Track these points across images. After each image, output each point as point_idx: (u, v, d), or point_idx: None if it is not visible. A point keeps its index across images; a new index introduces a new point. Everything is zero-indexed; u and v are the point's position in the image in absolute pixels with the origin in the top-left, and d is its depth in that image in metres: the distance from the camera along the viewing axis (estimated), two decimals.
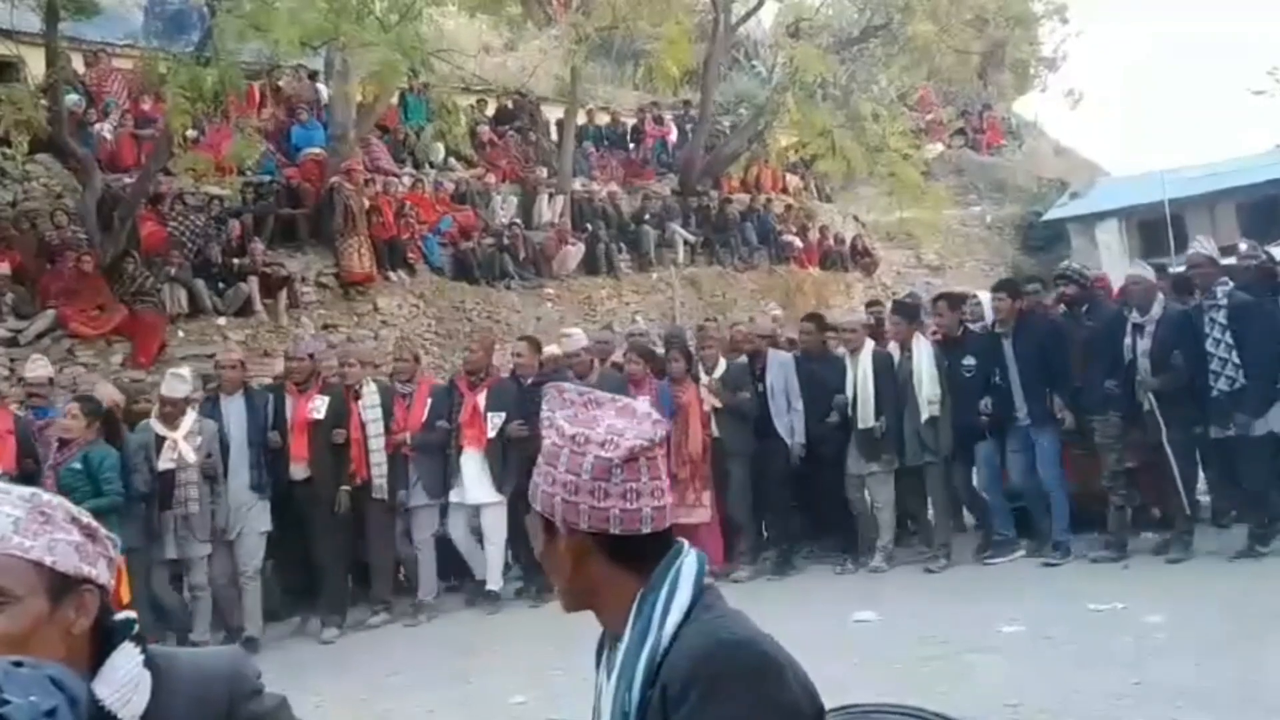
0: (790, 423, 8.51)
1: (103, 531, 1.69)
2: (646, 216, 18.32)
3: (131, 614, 1.71)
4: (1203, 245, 7.91)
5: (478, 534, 8.50)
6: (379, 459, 8.27)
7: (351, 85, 14.36)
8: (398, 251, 14.53)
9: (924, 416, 8.07)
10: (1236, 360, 7.08)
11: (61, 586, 1.60)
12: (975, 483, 8.42)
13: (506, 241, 15.98)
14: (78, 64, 15.07)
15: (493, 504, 8.33)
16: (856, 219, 24.00)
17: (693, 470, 8.37)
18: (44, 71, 13.17)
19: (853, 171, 20.21)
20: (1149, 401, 7.32)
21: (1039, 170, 29.82)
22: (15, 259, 11.57)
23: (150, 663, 1.63)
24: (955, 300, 8.53)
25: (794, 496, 8.83)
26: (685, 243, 18.49)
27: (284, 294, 12.97)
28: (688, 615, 1.54)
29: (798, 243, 20.30)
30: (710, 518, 8.52)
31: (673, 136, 21.84)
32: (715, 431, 8.57)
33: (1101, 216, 25.55)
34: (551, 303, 16.05)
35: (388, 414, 8.37)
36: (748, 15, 20.60)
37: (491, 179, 17.38)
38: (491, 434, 8.29)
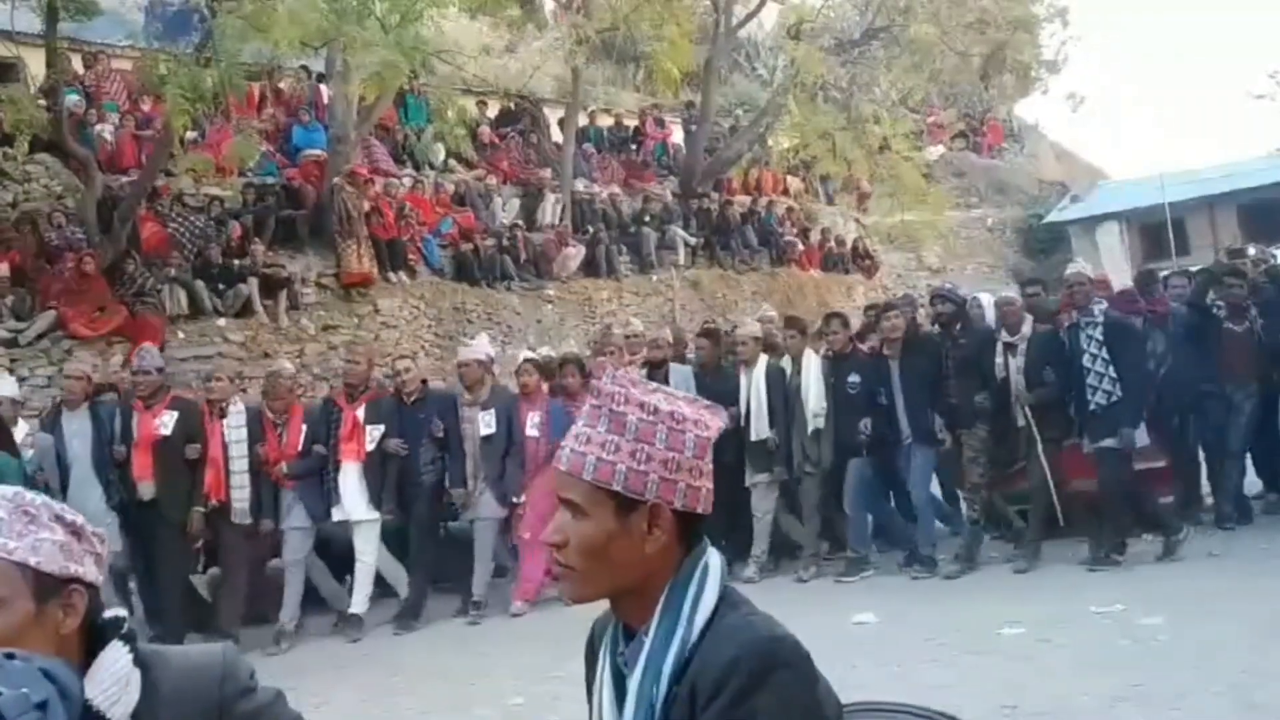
0: None
1: (89, 529, 1.67)
2: (647, 218, 18.34)
3: (121, 612, 1.69)
4: (1081, 265, 8.25)
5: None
6: (240, 481, 7.93)
7: (352, 86, 14.35)
8: (398, 253, 14.54)
9: (809, 429, 8.29)
10: (1113, 375, 7.38)
11: (48, 587, 1.58)
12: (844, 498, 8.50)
13: (507, 243, 15.99)
14: (77, 65, 15.09)
15: (367, 521, 8.12)
16: (857, 221, 24.01)
17: None
18: (44, 72, 13.19)
19: (854, 174, 20.23)
20: (1024, 416, 7.63)
21: (1040, 173, 29.87)
22: (15, 260, 11.58)
23: (140, 661, 1.62)
24: (845, 319, 8.73)
25: None
26: (686, 245, 18.51)
27: (284, 295, 12.98)
28: (714, 612, 1.54)
29: (799, 245, 20.32)
30: None
31: (674, 138, 21.87)
32: None
33: (1102, 219, 25.59)
34: (552, 304, 16.06)
35: (256, 438, 8.03)
36: (749, 17, 20.63)
37: (492, 180, 17.40)
38: (370, 447, 8.08)
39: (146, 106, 14.92)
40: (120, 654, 1.60)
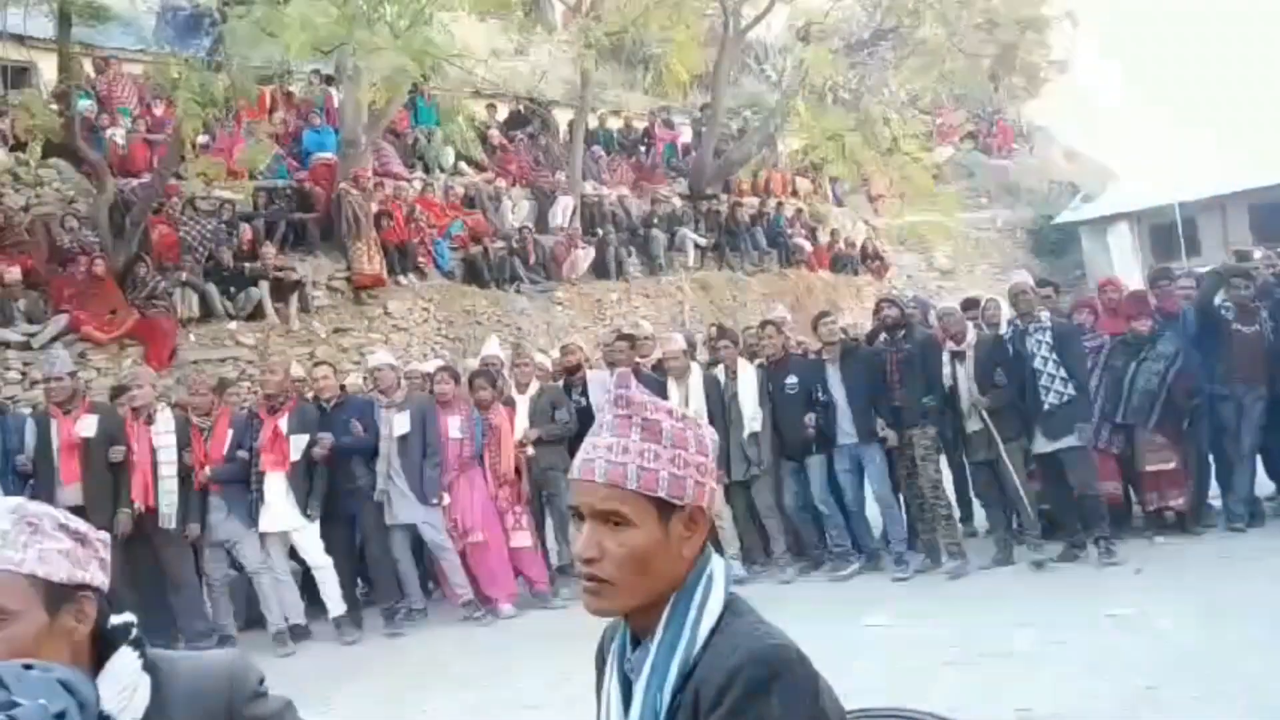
0: None
1: (93, 534, 1.69)
2: (656, 220, 18.34)
3: (130, 617, 1.70)
4: (1024, 275, 8.81)
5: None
6: (169, 487, 7.92)
7: (362, 90, 14.39)
8: (408, 255, 14.57)
9: (745, 432, 8.50)
10: (1064, 375, 7.71)
11: (58, 595, 1.60)
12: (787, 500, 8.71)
13: (517, 245, 16.01)
14: (89, 69, 15.16)
15: (303, 530, 8.15)
16: (867, 223, 23.98)
17: (511, 493, 8.53)
18: (57, 77, 13.24)
19: (865, 176, 20.21)
20: (982, 419, 7.88)
21: (1050, 174, 29.77)
22: (27, 263, 11.61)
23: (150, 666, 1.63)
24: (779, 325, 9.09)
25: None
26: (695, 246, 18.51)
27: (295, 298, 13.00)
28: (718, 620, 1.54)
29: (808, 246, 20.31)
30: (532, 541, 8.66)
31: (682, 140, 21.86)
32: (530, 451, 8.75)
33: (1113, 220, 25.52)
34: (562, 306, 16.07)
35: (184, 444, 8.05)
36: (757, 19, 20.59)
37: (502, 183, 17.41)
38: (295, 457, 8.08)
39: (158, 111, 14.98)
40: (130, 659, 1.62)
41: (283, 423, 8.15)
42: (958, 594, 7.52)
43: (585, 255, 16.70)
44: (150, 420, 8.06)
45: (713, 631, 1.53)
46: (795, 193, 22.36)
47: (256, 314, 12.68)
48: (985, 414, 7.90)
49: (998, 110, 31.15)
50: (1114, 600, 6.54)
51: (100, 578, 1.67)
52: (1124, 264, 22.93)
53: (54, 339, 11.04)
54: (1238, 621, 5.81)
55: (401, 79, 12.74)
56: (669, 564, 1.56)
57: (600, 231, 17.44)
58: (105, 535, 1.73)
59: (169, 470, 7.94)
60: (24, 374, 10.67)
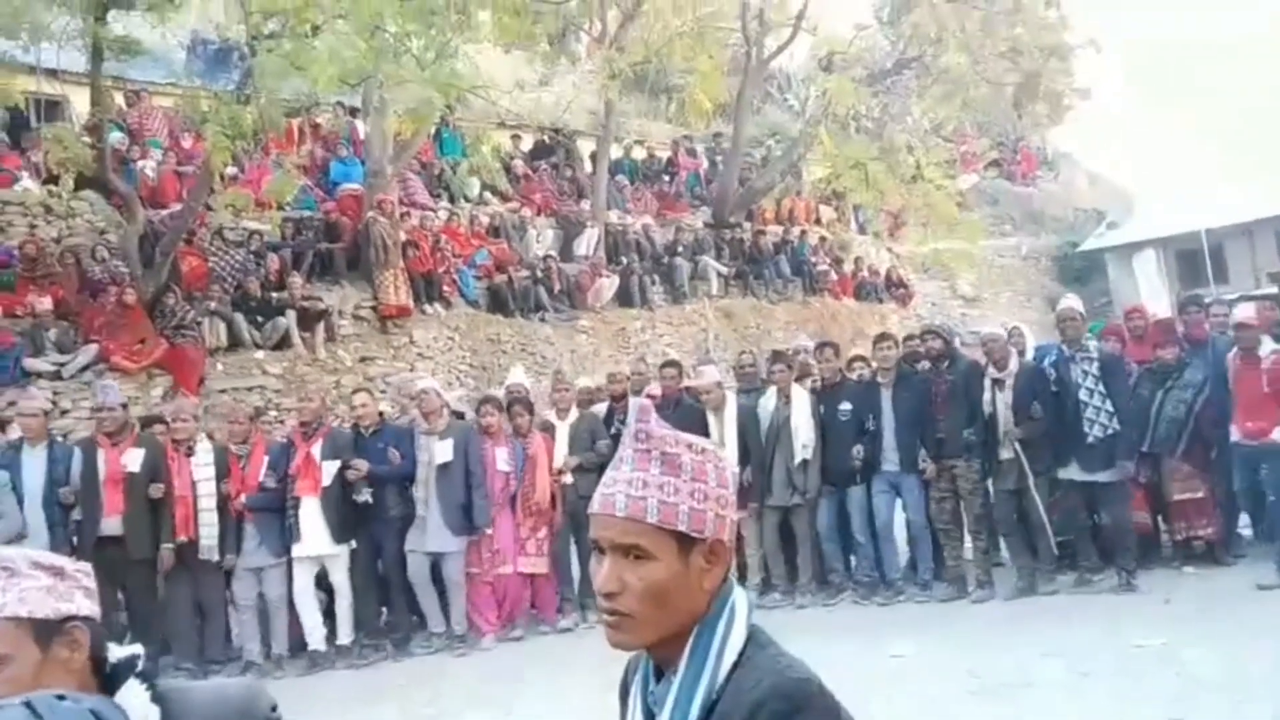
0: None
1: (70, 565, 1.73)
2: (680, 249, 18.39)
3: (137, 649, 1.72)
4: (1072, 300, 8.56)
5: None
6: (209, 519, 8.02)
7: (388, 122, 14.54)
8: (433, 284, 14.65)
9: (797, 460, 8.46)
10: (1110, 409, 7.62)
11: (47, 630, 1.63)
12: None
13: (541, 274, 16.08)
14: (120, 102, 15.37)
15: (335, 556, 8.23)
16: (890, 250, 23.95)
17: (538, 521, 8.54)
18: (89, 110, 13.44)
19: (887, 203, 20.19)
20: (1014, 449, 7.86)
21: (1074, 201, 29.69)
22: (58, 294, 11.77)
23: (159, 697, 1.65)
24: (837, 348, 9.09)
25: None
26: (719, 275, 18.53)
27: (321, 327, 13.09)
28: (741, 652, 1.54)
29: (832, 274, 20.30)
30: (548, 569, 8.65)
31: (705, 169, 21.94)
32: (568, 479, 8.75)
33: (1139, 246, 25.39)
34: (586, 335, 16.11)
35: (223, 474, 8.14)
36: (780, 49, 20.69)
37: (527, 212, 17.52)
38: (326, 482, 8.12)
39: (187, 143, 15.17)
40: (137, 691, 1.64)
41: (316, 449, 8.24)
42: (983, 623, 7.46)
43: (609, 284, 16.76)
44: (190, 452, 8.18)
45: (735, 664, 1.53)
46: (819, 221, 22.37)
47: (283, 343, 12.77)
48: (1018, 444, 7.86)
49: (1021, 137, 31.13)
50: (1142, 630, 6.48)
51: (87, 606, 1.70)
52: (1151, 291, 22.79)
53: (84, 368, 11.17)
54: (1266, 653, 5.74)
55: (427, 110, 12.88)
56: (689, 597, 1.56)
57: (624, 260, 17.51)
58: (86, 565, 1.77)
59: (208, 503, 8.06)
60: (54, 403, 10.77)
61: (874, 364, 8.71)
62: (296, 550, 8.14)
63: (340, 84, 12.03)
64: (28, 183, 13.14)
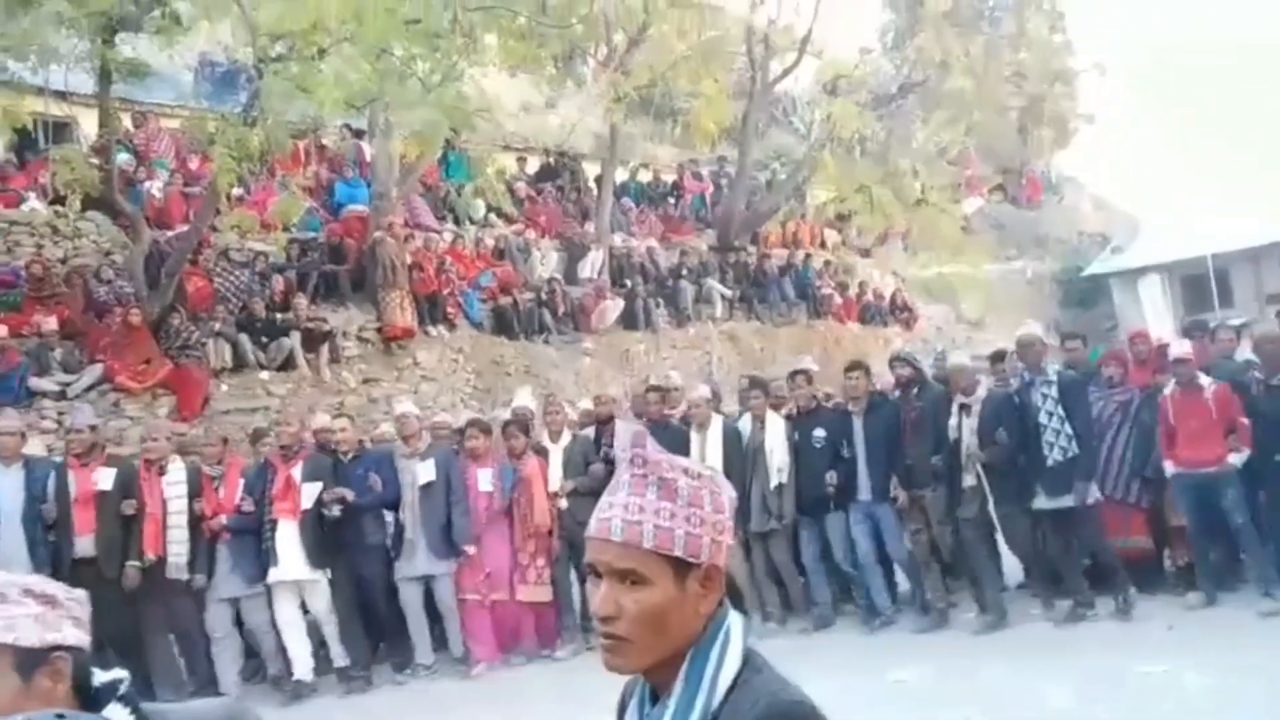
0: None
1: (63, 594, 1.72)
2: (684, 272, 18.41)
3: (121, 674, 1.72)
4: (1033, 326, 8.60)
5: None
6: (179, 536, 7.99)
7: (394, 144, 14.60)
8: (438, 306, 14.68)
9: (772, 484, 8.46)
10: (1069, 431, 7.57)
11: (30, 660, 1.63)
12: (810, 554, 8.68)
13: (546, 297, 16.11)
14: (127, 124, 15.46)
15: (314, 582, 8.17)
16: (895, 274, 23.96)
17: (537, 545, 8.50)
18: (96, 132, 13.51)
19: (891, 226, 20.21)
20: (976, 475, 7.84)
21: (1079, 225, 29.70)
22: (64, 314, 11.81)
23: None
24: (809, 375, 9.05)
25: None
26: (723, 298, 18.55)
27: (325, 348, 13.11)
28: (736, 676, 1.55)
29: (836, 298, 20.31)
30: (550, 597, 8.59)
31: (710, 192, 22.00)
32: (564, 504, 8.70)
33: (1144, 271, 25.34)
34: (590, 357, 16.12)
35: (195, 493, 8.12)
36: (785, 73, 20.78)
37: (531, 235, 17.57)
38: (306, 505, 8.09)
39: (194, 164, 15.24)
40: (120, 715, 1.64)
41: (296, 471, 8.21)
42: (987, 649, 7.42)
43: (614, 306, 16.78)
44: (163, 471, 8.16)
45: (731, 687, 1.54)
46: (824, 244, 22.41)
47: (288, 364, 12.79)
48: (981, 470, 7.85)
49: (1026, 162, 31.18)
50: (1145, 657, 6.44)
51: (75, 636, 1.70)
52: (1156, 315, 22.73)
53: (89, 388, 11.20)
54: (1273, 679, 5.71)
55: (433, 133, 12.93)
56: (685, 621, 1.57)
57: (629, 283, 17.53)
58: (81, 594, 1.76)
59: (178, 520, 8.02)
60: (59, 423, 10.80)
61: (844, 394, 8.73)
62: (273, 575, 8.06)
63: (346, 106, 12.08)
64: (35, 203, 13.22)
